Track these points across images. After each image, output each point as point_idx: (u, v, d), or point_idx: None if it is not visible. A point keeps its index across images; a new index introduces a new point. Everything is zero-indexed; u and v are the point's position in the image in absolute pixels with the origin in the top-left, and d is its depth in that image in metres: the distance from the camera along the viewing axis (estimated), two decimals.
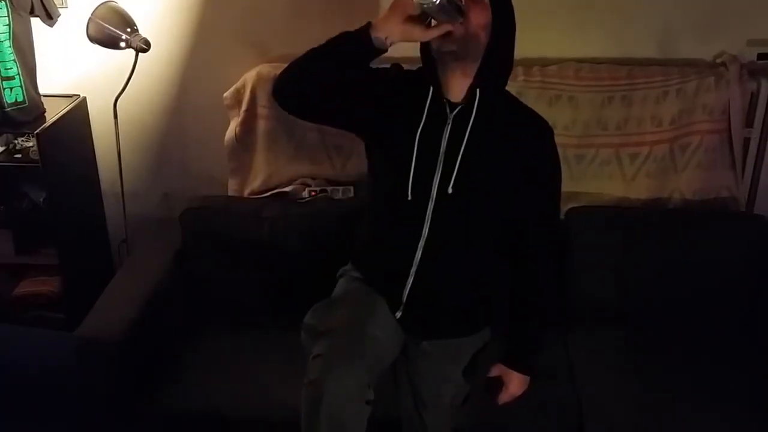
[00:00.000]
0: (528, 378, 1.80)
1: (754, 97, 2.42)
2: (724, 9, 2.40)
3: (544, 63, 2.46)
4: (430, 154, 1.67)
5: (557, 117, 2.42)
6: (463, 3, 1.56)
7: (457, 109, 1.67)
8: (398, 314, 1.74)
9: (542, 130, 1.74)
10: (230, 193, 2.65)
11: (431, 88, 1.68)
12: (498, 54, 1.66)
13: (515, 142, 1.68)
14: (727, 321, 2.36)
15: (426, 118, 1.67)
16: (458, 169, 1.64)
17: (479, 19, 1.61)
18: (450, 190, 1.65)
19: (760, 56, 2.42)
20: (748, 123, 2.46)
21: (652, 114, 2.42)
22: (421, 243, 1.68)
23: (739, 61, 2.40)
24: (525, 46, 2.47)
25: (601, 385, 2.15)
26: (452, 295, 1.75)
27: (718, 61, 2.44)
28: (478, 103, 1.65)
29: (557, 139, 2.40)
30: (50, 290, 2.70)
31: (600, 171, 2.49)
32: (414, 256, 1.69)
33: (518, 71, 2.43)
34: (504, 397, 1.81)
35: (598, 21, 2.44)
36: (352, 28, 2.49)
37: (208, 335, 2.35)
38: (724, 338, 2.31)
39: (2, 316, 2.70)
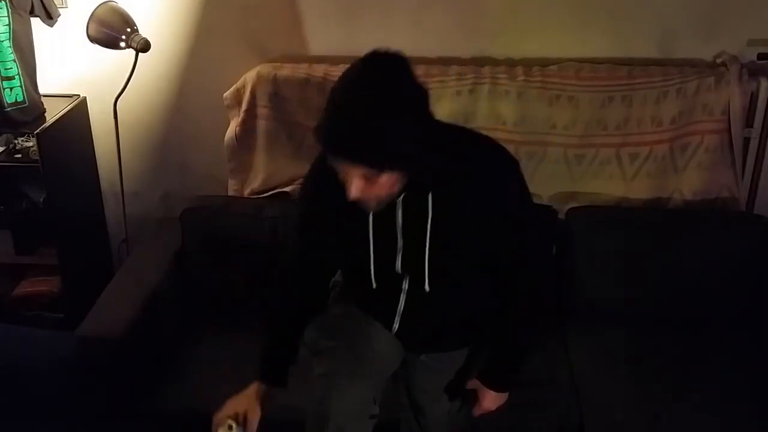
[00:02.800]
0: (504, 394, 1.75)
1: (754, 97, 2.42)
2: (724, 9, 2.40)
3: (544, 63, 2.45)
4: (387, 240, 1.57)
5: (557, 117, 2.42)
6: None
7: (402, 195, 1.51)
8: (394, 330, 1.72)
9: (491, 171, 1.54)
10: (230, 192, 2.65)
11: None
12: (421, 166, 1.44)
13: (468, 196, 1.52)
14: (728, 321, 2.36)
15: (373, 215, 1.55)
16: (428, 246, 1.55)
17: (386, 188, 1.43)
18: (428, 286, 1.60)
19: (760, 56, 2.42)
20: (748, 123, 2.45)
21: (652, 114, 2.41)
22: (400, 307, 1.66)
23: (740, 61, 2.40)
24: (525, 46, 2.49)
25: (601, 385, 2.15)
26: (442, 325, 1.72)
27: (719, 61, 2.44)
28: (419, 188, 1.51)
29: (557, 139, 2.44)
30: (50, 290, 2.70)
31: (600, 171, 2.48)
32: (397, 307, 1.66)
33: (518, 71, 2.43)
34: (477, 411, 1.78)
35: (599, 21, 2.44)
36: (350, 29, 2.52)
37: (208, 335, 2.35)
38: (725, 338, 2.31)
39: (2, 316, 2.69)
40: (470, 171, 1.51)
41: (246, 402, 1.67)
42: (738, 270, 2.34)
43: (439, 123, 1.48)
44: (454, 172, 1.50)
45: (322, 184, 1.57)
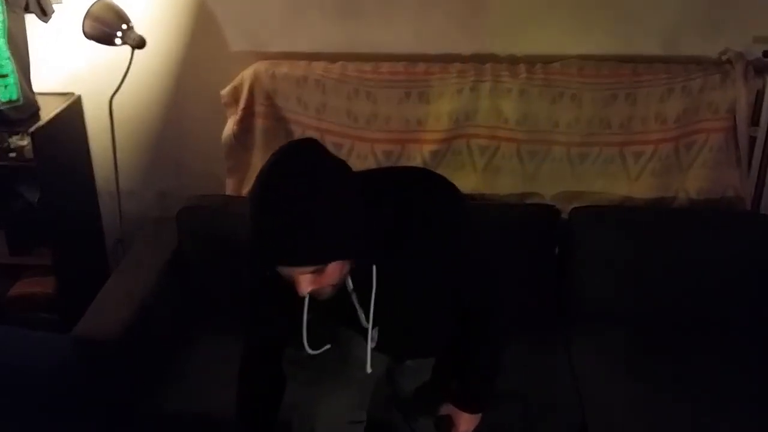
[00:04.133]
0: (479, 415, 1.72)
1: (760, 95, 2.41)
2: (729, 6, 2.39)
3: (547, 60, 2.44)
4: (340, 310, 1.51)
5: (560, 115, 2.40)
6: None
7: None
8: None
9: (427, 224, 1.44)
10: (227, 191, 2.64)
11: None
12: (365, 244, 1.36)
13: (410, 249, 1.44)
14: (732, 321, 2.36)
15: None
16: (372, 317, 1.49)
17: (336, 275, 1.35)
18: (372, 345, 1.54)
19: (766, 53, 2.41)
20: (754, 121, 2.45)
21: (657, 112, 2.40)
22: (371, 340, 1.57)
23: (745, 59, 2.38)
24: (528, 44, 2.47)
25: (603, 385, 2.15)
26: (419, 341, 1.68)
27: (724, 58, 2.42)
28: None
29: (560, 138, 2.42)
30: (45, 291, 2.69)
31: (604, 170, 2.47)
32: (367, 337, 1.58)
33: (520, 69, 2.41)
34: None
35: (602, 18, 2.43)
36: (349, 27, 2.50)
37: (205, 335, 2.34)
38: (728, 338, 2.31)
39: None
40: (409, 225, 1.42)
41: None
42: (743, 269, 2.33)
43: (362, 187, 1.38)
44: (394, 233, 1.41)
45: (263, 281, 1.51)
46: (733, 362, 2.22)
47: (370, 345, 1.53)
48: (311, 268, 1.29)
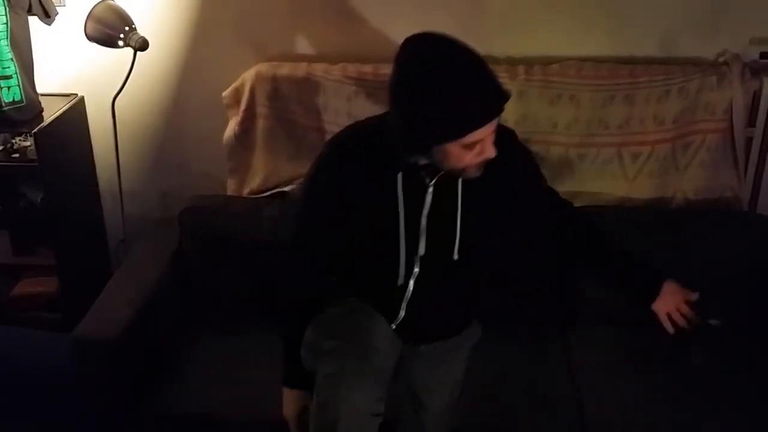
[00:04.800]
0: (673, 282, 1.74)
1: (756, 96, 2.42)
2: (726, 7, 2.39)
3: (545, 62, 2.44)
4: (411, 225, 1.60)
5: (559, 116, 2.41)
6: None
7: (438, 176, 1.56)
8: (393, 326, 1.73)
9: (509, 143, 1.60)
10: (229, 192, 2.64)
11: (399, 181, 1.57)
12: None
13: (494, 172, 1.55)
14: (731, 321, 2.35)
15: (404, 199, 1.57)
16: (459, 232, 1.61)
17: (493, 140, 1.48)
18: (456, 256, 1.63)
19: (763, 55, 2.41)
20: (751, 122, 2.45)
21: (654, 113, 2.41)
22: (408, 293, 1.67)
23: (742, 60, 2.39)
24: (527, 45, 2.48)
25: (601, 385, 2.15)
26: (445, 310, 1.75)
27: (721, 59, 2.43)
28: None
29: (559, 138, 2.43)
30: (48, 291, 2.69)
31: (602, 170, 2.48)
32: (404, 293, 1.67)
33: (519, 70, 2.42)
34: (682, 307, 1.73)
35: (600, 20, 2.44)
36: (350, 28, 2.51)
37: (206, 335, 2.34)
38: (726, 339, 2.30)
39: (0, 316, 2.68)
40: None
41: (299, 403, 1.75)
42: (740, 269, 2.34)
43: None
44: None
45: (350, 169, 1.58)
46: (732, 362, 2.22)
47: (423, 245, 1.60)
48: (494, 127, 1.44)
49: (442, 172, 1.55)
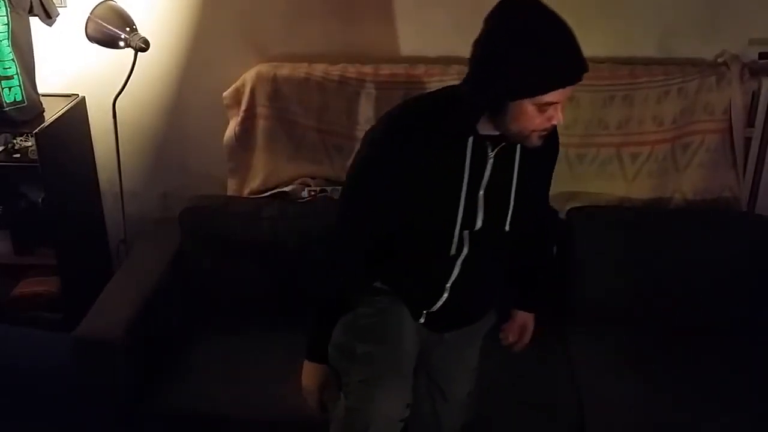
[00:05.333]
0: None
1: (755, 97, 2.42)
2: (725, 8, 2.40)
3: None
4: (470, 198, 1.62)
5: None
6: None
7: (500, 146, 1.59)
8: (421, 320, 1.74)
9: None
10: (229, 192, 2.65)
11: (469, 146, 1.58)
12: None
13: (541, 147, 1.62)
14: (729, 321, 2.36)
15: (469, 169, 1.59)
16: (513, 204, 1.65)
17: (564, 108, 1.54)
18: (508, 228, 1.66)
19: (762, 55, 2.42)
20: (750, 122, 2.45)
21: (654, 113, 2.41)
22: (454, 274, 1.68)
23: (741, 61, 2.40)
24: None
25: (601, 385, 2.15)
26: (481, 297, 1.79)
27: (720, 60, 2.43)
28: None
29: (559, 139, 2.43)
30: (49, 291, 2.69)
31: (601, 171, 2.48)
32: (450, 277, 1.69)
33: None
34: (527, 338, 1.92)
35: (600, 20, 2.44)
36: (350, 29, 2.51)
37: (207, 335, 2.34)
38: (726, 338, 2.31)
39: (0, 316, 2.69)
40: None
41: (321, 375, 1.74)
42: (739, 270, 2.34)
43: None
44: None
45: (414, 141, 1.57)
46: (732, 362, 2.22)
47: (480, 219, 1.63)
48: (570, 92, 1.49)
49: (503, 144, 1.57)
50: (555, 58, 1.43)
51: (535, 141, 1.54)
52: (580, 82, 2.43)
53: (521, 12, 1.46)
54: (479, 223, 1.63)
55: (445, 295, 1.71)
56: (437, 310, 1.72)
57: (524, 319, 1.91)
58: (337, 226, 1.70)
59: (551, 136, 1.62)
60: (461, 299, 1.72)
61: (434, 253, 1.67)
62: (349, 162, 2.52)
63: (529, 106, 1.46)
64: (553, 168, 1.81)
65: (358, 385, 1.62)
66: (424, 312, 1.74)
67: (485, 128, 1.55)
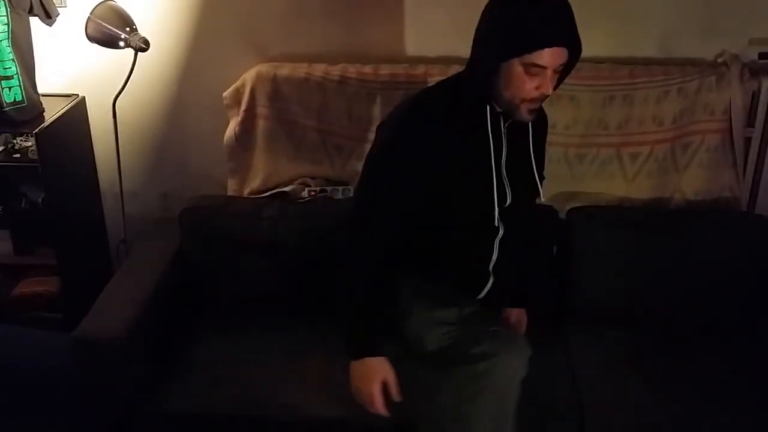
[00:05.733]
0: None
1: (755, 97, 2.42)
2: (725, 8, 2.40)
3: None
4: (498, 171, 1.71)
5: (558, 116, 2.41)
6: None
7: (510, 120, 1.71)
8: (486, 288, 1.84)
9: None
10: (229, 192, 2.65)
11: (488, 113, 1.69)
12: None
13: (538, 126, 1.78)
14: (729, 321, 2.36)
15: (494, 143, 1.69)
16: (535, 167, 1.76)
17: (554, 83, 1.65)
18: (542, 198, 1.77)
19: (762, 55, 2.41)
20: (750, 122, 2.45)
21: (654, 113, 2.41)
22: (494, 256, 1.77)
23: (741, 61, 2.40)
24: None
25: (601, 385, 2.14)
26: (515, 279, 1.89)
27: (720, 60, 2.43)
28: None
29: (558, 139, 2.44)
30: (49, 290, 2.69)
31: (601, 171, 2.48)
32: (491, 260, 1.76)
33: None
34: (524, 329, 2.01)
35: (600, 20, 2.44)
36: (350, 29, 2.52)
37: (207, 335, 2.34)
38: (726, 338, 2.31)
39: (0, 316, 2.69)
40: None
41: (382, 370, 1.71)
42: (739, 270, 2.34)
43: None
44: None
45: (434, 118, 1.65)
46: (732, 362, 2.22)
47: (509, 196, 1.74)
48: (564, 60, 1.59)
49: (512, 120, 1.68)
50: (541, 18, 1.54)
51: (525, 114, 1.64)
52: (580, 82, 2.46)
53: None
54: (509, 199, 1.72)
55: (491, 279, 1.77)
56: (484, 297, 1.79)
57: (517, 315, 2.01)
58: (358, 214, 1.72)
59: (541, 115, 1.74)
60: (503, 282, 1.79)
61: (475, 236, 1.72)
62: (349, 162, 2.56)
63: (517, 66, 1.57)
64: (545, 145, 1.90)
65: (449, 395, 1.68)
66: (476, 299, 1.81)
67: (493, 101, 1.67)
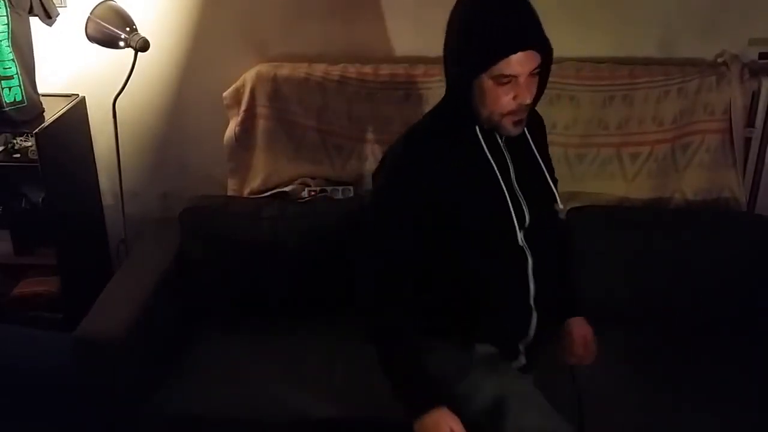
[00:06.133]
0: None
1: (755, 97, 2.42)
2: (725, 8, 2.40)
3: None
4: (510, 190, 1.61)
5: (558, 116, 2.42)
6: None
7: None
8: (522, 360, 1.69)
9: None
10: (229, 192, 2.65)
11: (479, 133, 1.59)
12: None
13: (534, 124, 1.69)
14: (729, 321, 2.36)
15: (497, 162, 1.60)
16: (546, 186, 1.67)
17: (533, 90, 1.54)
18: (560, 206, 1.68)
19: (762, 55, 2.42)
20: (750, 122, 2.46)
21: (654, 113, 2.41)
22: (532, 285, 1.62)
23: (741, 61, 2.40)
24: None
25: (601, 385, 2.14)
26: (554, 309, 1.73)
27: (720, 60, 2.44)
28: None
29: (558, 139, 2.44)
30: (49, 290, 2.69)
31: (601, 171, 2.49)
32: (530, 292, 1.63)
33: None
34: (594, 346, 1.79)
35: (600, 20, 2.44)
36: (350, 29, 2.52)
37: (207, 335, 2.34)
38: (725, 338, 2.31)
39: (1, 316, 2.69)
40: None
41: (446, 421, 1.53)
42: (739, 270, 2.34)
43: None
44: None
45: (428, 162, 1.56)
46: (731, 362, 2.22)
47: (528, 216, 1.62)
48: (537, 63, 1.48)
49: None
50: (494, 27, 1.46)
51: (511, 127, 1.55)
52: (580, 82, 2.45)
53: None
54: (527, 216, 1.61)
55: (535, 314, 1.63)
56: (533, 336, 1.64)
57: (580, 327, 1.76)
58: (371, 274, 1.58)
59: (532, 117, 1.63)
60: (546, 315, 1.65)
61: (504, 270, 1.59)
62: (349, 162, 2.56)
63: (487, 81, 1.48)
64: (548, 148, 1.79)
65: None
66: (521, 347, 1.65)
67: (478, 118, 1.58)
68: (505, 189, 1.58)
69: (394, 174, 1.58)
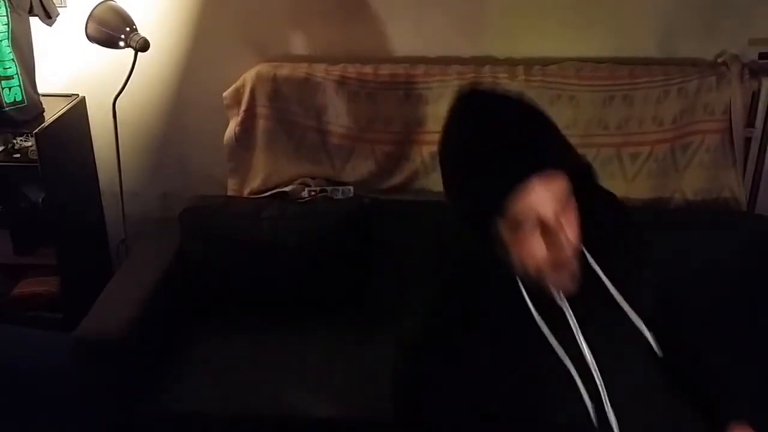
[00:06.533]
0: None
1: (755, 97, 2.43)
2: (725, 8, 2.40)
3: (544, 62, 2.45)
4: (575, 358, 1.14)
5: (558, 116, 2.35)
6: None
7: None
8: None
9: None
10: (229, 192, 2.65)
11: (521, 287, 1.14)
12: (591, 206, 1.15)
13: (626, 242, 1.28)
14: (728, 321, 2.35)
15: (540, 316, 1.13)
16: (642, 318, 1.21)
17: (575, 224, 1.08)
18: (658, 350, 1.26)
19: (762, 55, 2.42)
20: (750, 122, 2.46)
21: (654, 113, 2.41)
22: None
23: (741, 61, 2.40)
24: (526, 46, 2.49)
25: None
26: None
27: (720, 60, 2.44)
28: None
29: None
30: (49, 290, 2.69)
31: (601, 171, 2.43)
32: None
33: (519, 71, 2.43)
34: None
35: (600, 20, 2.44)
36: (350, 29, 2.51)
37: (207, 335, 2.34)
38: (725, 338, 2.30)
39: (1, 316, 2.69)
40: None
41: None
42: (739, 270, 2.34)
43: None
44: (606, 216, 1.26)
45: (457, 327, 1.15)
46: (731, 362, 2.22)
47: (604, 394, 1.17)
48: (560, 186, 1.05)
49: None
50: (485, 164, 1.06)
51: (558, 280, 1.09)
52: (580, 82, 2.45)
53: (457, 134, 1.15)
54: (603, 392, 1.16)
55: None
56: None
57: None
58: None
59: (601, 233, 1.18)
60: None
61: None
62: (349, 162, 2.56)
63: (505, 231, 1.07)
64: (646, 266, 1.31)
65: None
66: None
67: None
68: (566, 357, 1.13)
69: (423, 334, 1.20)
